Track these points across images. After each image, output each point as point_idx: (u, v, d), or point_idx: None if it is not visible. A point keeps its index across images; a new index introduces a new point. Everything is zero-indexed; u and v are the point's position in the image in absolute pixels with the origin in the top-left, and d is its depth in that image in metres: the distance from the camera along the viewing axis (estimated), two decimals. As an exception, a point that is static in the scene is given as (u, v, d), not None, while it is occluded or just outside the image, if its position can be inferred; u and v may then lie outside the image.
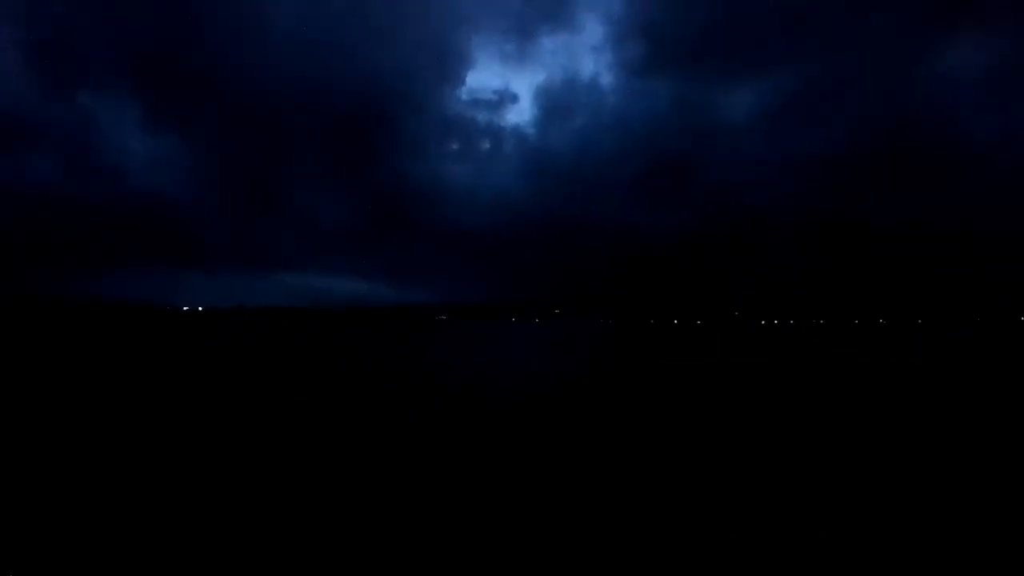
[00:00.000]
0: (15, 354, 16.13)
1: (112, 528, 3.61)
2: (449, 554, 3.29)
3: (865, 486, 4.48)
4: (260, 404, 8.20)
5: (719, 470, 4.93)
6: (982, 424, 6.92)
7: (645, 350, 17.49)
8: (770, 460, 5.25)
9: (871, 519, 3.81)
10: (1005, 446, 5.86)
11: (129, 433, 6.22)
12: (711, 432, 6.42)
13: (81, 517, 3.79)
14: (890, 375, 11.74)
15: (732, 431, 6.48)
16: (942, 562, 3.21)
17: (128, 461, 5.11)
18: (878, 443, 5.88)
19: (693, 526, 3.69)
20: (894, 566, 3.15)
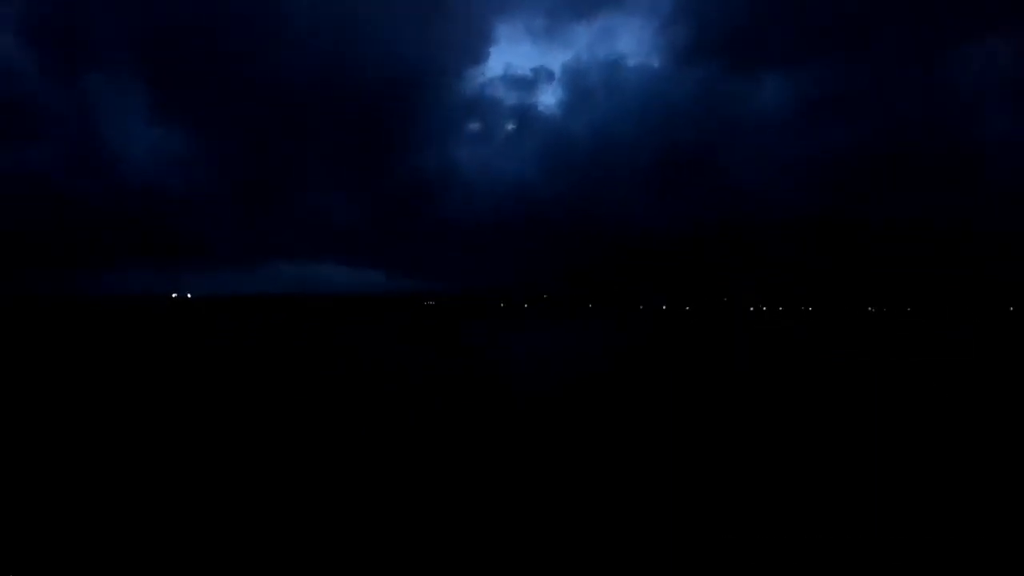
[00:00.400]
0: (12, 352, 16.28)
1: (112, 528, 3.67)
2: (448, 554, 3.32)
3: (865, 486, 4.55)
4: (253, 399, 8.27)
5: (719, 470, 4.98)
6: (982, 424, 6.99)
7: (640, 343, 17.64)
8: (770, 460, 5.30)
9: (871, 519, 3.87)
10: (1005, 446, 5.91)
11: (129, 431, 6.27)
12: (710, 432, 6.47)
13: (81, 517, 3.84)
14: (890, 375, 11.59)
15: (731, 431, 6.52)
16: (942, 562, 3.26)
17: (128, 460, 5.18)
18: (878, 443, 5.92)
19: (693, 526, 3.74)
20: (894, 566, 3.21)
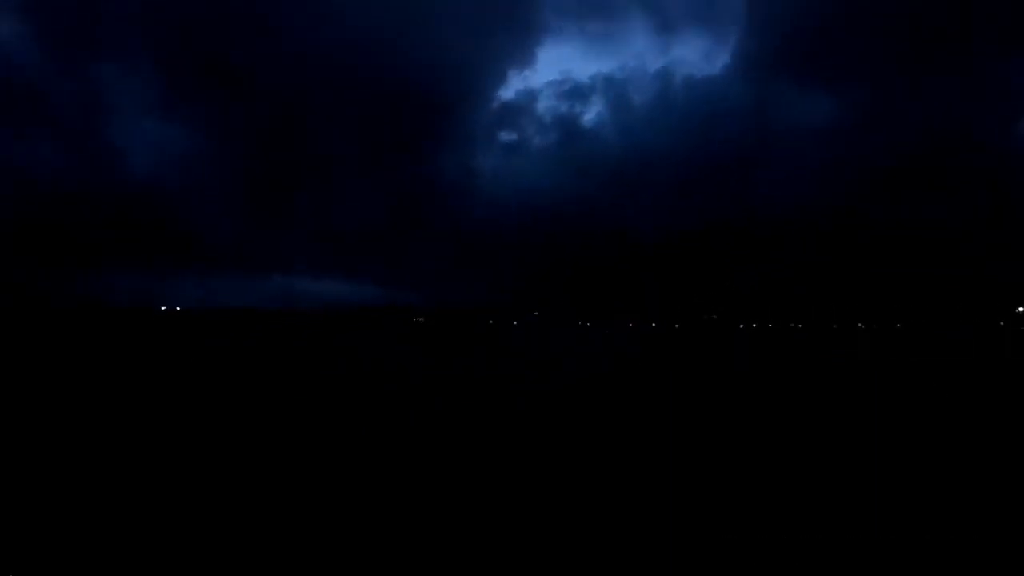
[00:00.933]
0: (6, 357, 15.77)
1: (112, 529, 3.58)
2: (448, 555, 3.25)
3: (865, 486, 4.47)
4: (250, 403, 8.06)
5: (719, 471, 4.89)
6: (982, 424, 6.85)
7: (634, 351, 17.65)
8: (770, 460, 5.22)
9: (871, 519, 3.79)
10: (1005, 446, 5.82)
11: (127, 435, 6.15)
12: (710, 433, 6.35)
13: (81, 517, 3.75)
14: (890, 376, 11.55)
15: (732, 432, 6.41)
16: (942, 562, 3.19)
17: (127, 462, 5.08)
18: (878, 444, 5.85)
19: (693, 526, 3.66)
20: (894, 566, 3.13)
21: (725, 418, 7.39)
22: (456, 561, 3.24)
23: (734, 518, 3.86)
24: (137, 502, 4.14)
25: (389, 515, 3.94)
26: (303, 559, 3.26)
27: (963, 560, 3.25)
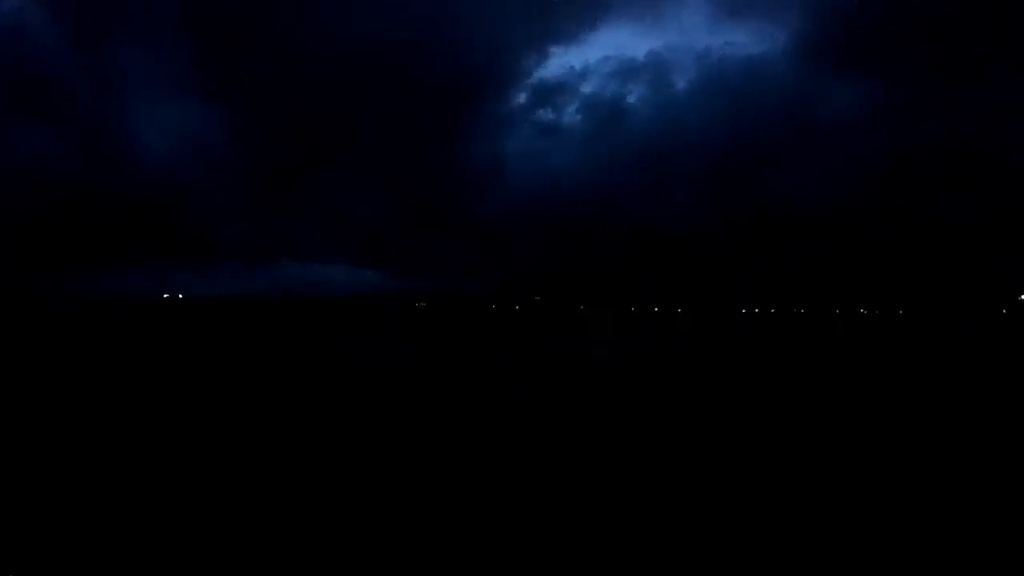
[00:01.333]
0: (9, 354, 15.95)
1: (112, 528, 3.65)
2: (447, 556, 3.32)
3: (865, 486, 4.53)
4: (252, 399, 8.20)
5: (719, 470, 4.97)
6: (982, 424, 6.97)
7: (635, 341, 17.73)
8: (770, 460, 5.28)
9: (871, 519, 3.84)
10: (1005, 446, 5.88)
11: (127, 432, 6.27)
12: (710, 432, 6.43)
13: (81, 517, 3.84)
14: (890, 375, 11.58)
15: (731, 431, 6.49)
16: (942, 562, 3.25)
17: (127, 461, 5.18)
18: (878, 443, 5.90)
19: (693, 526, 3.72)
20: (894, 566, 3.19)
21: (725, 409, 7.43)
22: (456, 561, 3.30)
23: (734, 513, 3.92)
24: (138, 501, 4.21)
25: (388, 511, 4.00)
26: (303, 557, 3.31)
27: (963, 559, 3.30)
